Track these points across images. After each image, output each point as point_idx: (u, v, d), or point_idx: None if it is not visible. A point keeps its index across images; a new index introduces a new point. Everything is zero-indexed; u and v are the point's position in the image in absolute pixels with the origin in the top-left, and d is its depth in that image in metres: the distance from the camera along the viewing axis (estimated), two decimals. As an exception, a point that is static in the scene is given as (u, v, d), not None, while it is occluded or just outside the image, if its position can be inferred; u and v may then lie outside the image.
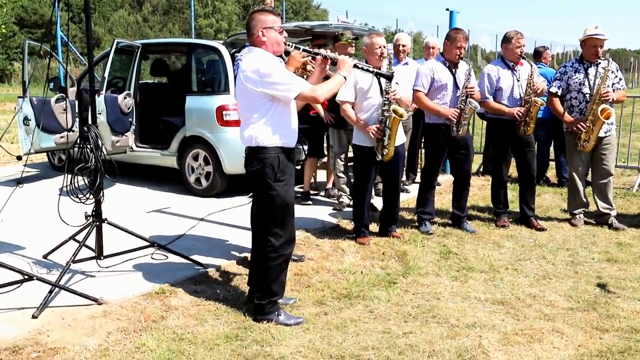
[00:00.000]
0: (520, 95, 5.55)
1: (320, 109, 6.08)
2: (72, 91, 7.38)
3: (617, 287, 4.24)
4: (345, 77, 3.66)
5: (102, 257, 4.21)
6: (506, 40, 5.60)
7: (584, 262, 4.79)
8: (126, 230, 4.38)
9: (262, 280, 3.66)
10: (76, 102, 7.20)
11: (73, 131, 6.83)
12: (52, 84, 7.25)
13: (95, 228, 4.13)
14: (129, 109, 6.84)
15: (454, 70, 5.37)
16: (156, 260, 4.53)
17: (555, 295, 4.10)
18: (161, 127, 7.45)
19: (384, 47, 5.02)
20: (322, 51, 3.84)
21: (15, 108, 7.21)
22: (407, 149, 6.68)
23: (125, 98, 6.75)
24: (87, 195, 4.12)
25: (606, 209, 5.77)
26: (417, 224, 5.68)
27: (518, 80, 5.57)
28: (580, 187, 5.81)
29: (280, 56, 4.04)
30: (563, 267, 4.67)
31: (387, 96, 4.97)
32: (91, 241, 4.16)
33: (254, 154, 3.56)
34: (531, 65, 5.55)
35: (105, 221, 4.19)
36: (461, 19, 7.81)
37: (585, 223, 5.85)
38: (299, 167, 6.54)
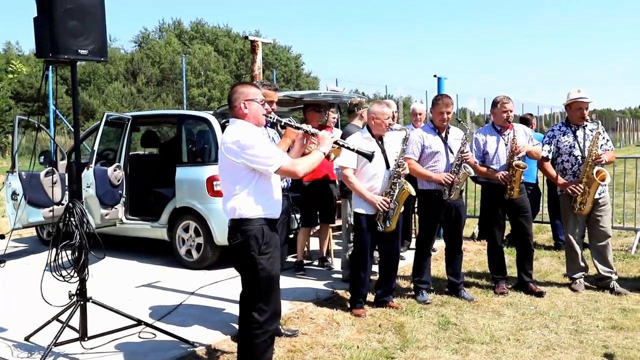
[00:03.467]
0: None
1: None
2: (62, 164, 7.35)
3: (625, 358, 4.06)
4: (324, 153, 3.64)
5: (86, 338, 4.02)
6: (493, 105, 5.64)
7: (588, 330, 4.62)
8: (112, 309, 4.22)
9: (248, 357, 3.51)
10: (66, 175, 7.22)
11: (62, 204, 6.76)
12: (42, 157, 7.24)
13: (79, 308, 3.97)
14: (118, 181, 6.77)
15: (444, 135, 5.36)
16: (144, 339, 4.33)
17: (561, 367, 3.92)
18: (152, 199, 7.36)
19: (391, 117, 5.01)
20: (304, 126, 3.86)
21: (2, 183, 7.13)
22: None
23: (115, 170, 6.70)
24: (71, 273, 3.99)
25: (607, 272, 5.65)
26: (413, 292, 5.52)
27: (506, 145, 5.55)
28: (578, 250, 5.71)
29: (276, 129, 4.03)
30: (567, 337, 4.49)
31: (398, 169, 4.93)
32: (75, 321, 3.99)
33: (237, 226, 3.47)
34: (513, 130, 5.53)
35: (90, 300, 4.04)
36: (451, 84, 7.98)
37: (586, 288, 5.70)
38: (292, 237, 6.42)
